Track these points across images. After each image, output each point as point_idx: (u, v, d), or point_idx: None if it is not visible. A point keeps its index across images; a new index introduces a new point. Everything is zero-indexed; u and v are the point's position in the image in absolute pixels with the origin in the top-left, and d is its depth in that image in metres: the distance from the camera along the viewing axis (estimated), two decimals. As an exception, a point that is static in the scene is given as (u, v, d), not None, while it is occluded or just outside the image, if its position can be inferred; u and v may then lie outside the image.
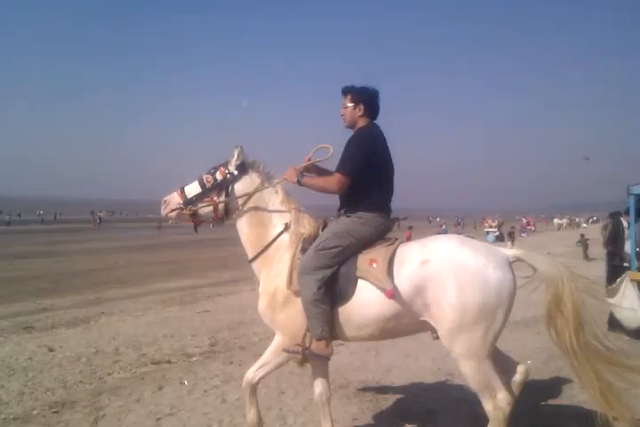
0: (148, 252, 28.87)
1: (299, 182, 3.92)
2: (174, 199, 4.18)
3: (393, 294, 3.46)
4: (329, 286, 3.65)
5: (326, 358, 3.79)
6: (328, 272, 3.67)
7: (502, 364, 3.77)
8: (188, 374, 6.42)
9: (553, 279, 3.46)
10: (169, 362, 7.04)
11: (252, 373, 3.91)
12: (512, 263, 3.58)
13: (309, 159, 4.05)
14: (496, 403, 3.44)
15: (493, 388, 3.46)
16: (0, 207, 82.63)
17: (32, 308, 11.90)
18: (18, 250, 28.59)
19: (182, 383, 6.10)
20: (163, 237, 41.90)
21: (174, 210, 4.17)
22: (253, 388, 3.92)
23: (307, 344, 3.71)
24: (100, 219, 67.34)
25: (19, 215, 73.32)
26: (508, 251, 3.68)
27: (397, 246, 3.71)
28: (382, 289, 3.50)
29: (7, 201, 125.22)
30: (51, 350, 7.63)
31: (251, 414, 3.98)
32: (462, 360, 3.49)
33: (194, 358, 7.26)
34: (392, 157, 3.99)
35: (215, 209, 4.13)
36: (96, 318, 10.32)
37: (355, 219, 3.83)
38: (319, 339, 3.66)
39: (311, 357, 3.74)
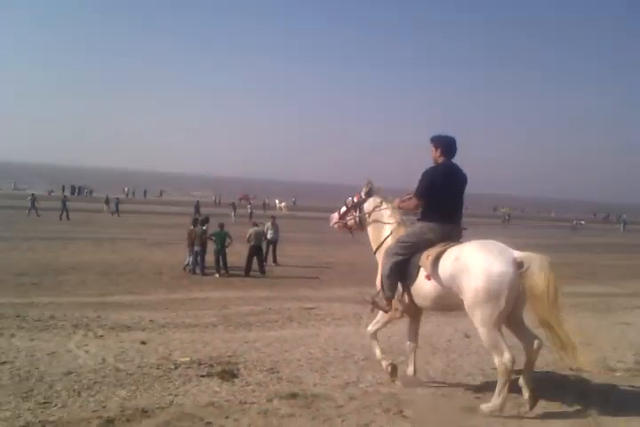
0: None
1: (399, 207, 6.00)
2: (335, 216, 6.63)
3: (429, 277, 5.17)
4: (401, 269, 5.42)
5: (385, 311, 5.71)
6: (400, 258, 5.42)
7: (523, 336, 5.09)
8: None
9: (537, 274, 4.73)
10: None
11: (370, 326, 6.08)
12: (518, 262, 4.81)
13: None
14: (501, 360, 4.80)
15: (501, 349, 4.81)
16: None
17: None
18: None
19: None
20: (571, 238, 39.98)
21: (335, 223, 6.62)
22: (373, 336, 6.05)
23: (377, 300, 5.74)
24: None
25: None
26: (516, 253, 4.90)
27: (448, 247, 5.19)
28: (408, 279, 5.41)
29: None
30: (467, 336, 8.05)
31: (377, 351, 6.04)
32: (478, 328, 4.93)
33: (617, 374, 6.55)
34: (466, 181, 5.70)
35: (355, 221, 6.42)
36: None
37: (421, 224, 5.56)
38: (386, 298, 5.56)
39: (376, 307, 5.79)
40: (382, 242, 5.96)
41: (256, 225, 16.78)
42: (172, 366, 6.40)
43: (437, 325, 9.01)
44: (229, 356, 6.96)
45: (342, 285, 14.56)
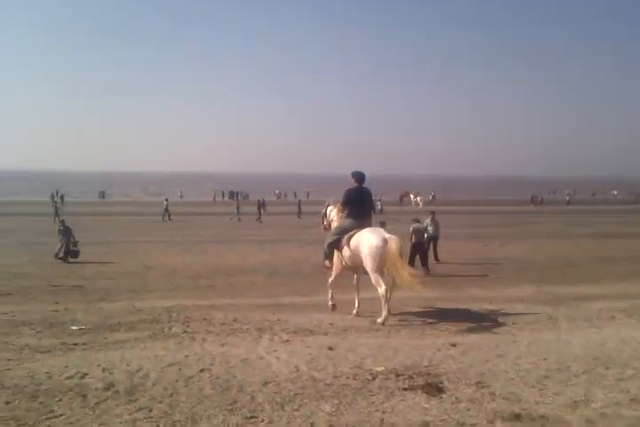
0: None
1: (340, 210, 10.01)
2: (322, 223, 11.01)
3: (342, 247, 9.10)
4: (334, 245, 9.32)
5: (325, 266, 9.98)
6: (336, 237, 9.29)
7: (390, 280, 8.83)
8: None
9: (392, 246, 8.50)
10: None
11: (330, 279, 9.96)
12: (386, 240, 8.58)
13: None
14: (380, 290, 8.57)
15: (380, 284, 8.56)
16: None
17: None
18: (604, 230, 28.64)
19: None
20: None
21: (323, 226, 10.85)
22: (331, 285, 9.90)
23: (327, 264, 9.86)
24: None
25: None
26: (386, 235, 8.72)
27: (357, 232, 8.97)
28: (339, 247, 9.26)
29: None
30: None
31: (329, 295, 9.87)
32: (369, 273, 8.69)
33: None
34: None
35: (325, 223, 10.72)
36: None
37: (346, 219, 9.53)
38: (325, 258, 9.75)
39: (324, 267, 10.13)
40: (331, 231, 9.93)
41: (417, 221, 16.04)
42: (369, 377, 5.96)
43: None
44: (426, 366, 6.38)
45: (516, 283, 13.35)
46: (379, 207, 39.89)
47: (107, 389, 5.66)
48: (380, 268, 8.59)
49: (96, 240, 22.07)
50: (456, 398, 5.33)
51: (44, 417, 4.94)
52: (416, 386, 5.64)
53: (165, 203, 36.45)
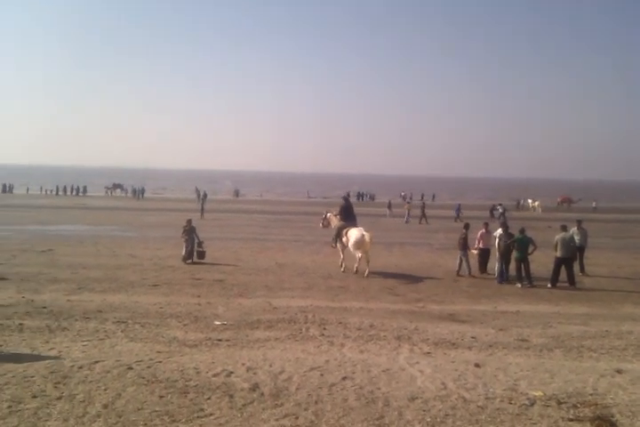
0: None
1: (335, 216, 16.87)
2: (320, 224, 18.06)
3: (342, 236, 15.63)
4: (339, 234, 15.79)
5: (333, 246, 16.45)
6: (339, 232, 15.82)
7: (364, 256, 14.91)
8: None
9: (367, 238, 14.75)
10: None
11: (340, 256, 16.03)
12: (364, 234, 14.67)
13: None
14: (356, 256, 15.00)
15: (357, 255, 15.00)
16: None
17: None
18: None
19: None
20: None
21: (322, 225, 17.73)
22: (341, 260, 15.87)
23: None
24: None
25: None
26: (363, 231, 14.97)
27: (349, 229, 15.46)
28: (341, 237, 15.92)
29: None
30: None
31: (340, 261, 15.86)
32: (352, 251, 15.05)
33: None
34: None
35: (323, 224, 17.56)
36: None
37: (342, 222, 16.06)
38: (334, 242, 16.24)
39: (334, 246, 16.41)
40: (334, 228, 16.19)
41: (565, 229, 14.75)
42: (527, 402, 5.44)
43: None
44: (591, 394, 5.71)
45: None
46: (500, 211, 37.46)
47: (252, 390, 5.68)
48: (358, 249, 14.86)
49: (231, 236, 23.10)
50: (635, 437, 4.66)
51: (195, 415, 5.03)
52: (583, 418, 5.04)
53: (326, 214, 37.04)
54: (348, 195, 24.58)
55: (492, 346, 7.74)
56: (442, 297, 12.01)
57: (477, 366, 6.65)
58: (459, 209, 37.28)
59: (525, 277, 14.05)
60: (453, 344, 7.78)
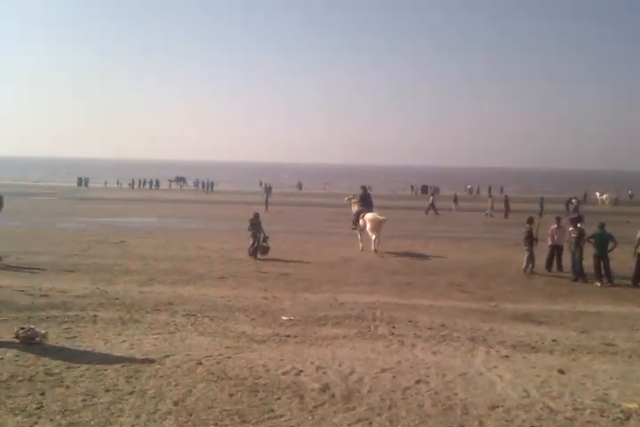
0: None
1: (355, 203, 19.63)
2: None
3: (360, 219, 18.14)
4: (358, 218, 18.44)
5: (354, 228, 18.86)
6: (357, 216, 18.53)
7: (378, 235, 17.46)
8: None
9: (381, 219, 17.43)
10: None
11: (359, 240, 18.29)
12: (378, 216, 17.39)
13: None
14: (373, 237, 17.25)
15: (372, 235, 17.29)
16: None
17: None
18: None
19: None
20: None
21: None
22: (359, 240, 18.26)
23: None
24: None
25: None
26: (377, 214, 17.78)
27: (367, 213, 18.00)
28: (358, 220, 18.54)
29: None
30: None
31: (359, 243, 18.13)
32: (370, 232, 17.39)
33: None
34: None
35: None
36: None
37: (361, 207, 18.78)
38: (354, 224, 18.90)
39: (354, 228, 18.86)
40: (353, 213, 19.01)
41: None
42: (621, 415, 4.98)
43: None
44: (695, 410, 5.16)
45: None
46: (574, 205, 35.74)
47: (323, 391, 5.51)
48: (373, 230, 17.06)
49: (295, 229, 23.13)
50: None
51: (265, 416, 4.91)
52: (687, 436, 4.55)
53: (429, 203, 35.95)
54: (369, 187, 26.21)
55: (575, 350, 7.22)
56: (515, 295, 11.46)
57: (561, 372, 6.21)
58: (542, 202, 35.36)
59: (605, 275, 13.24)
60: (533, 348, 7.31)
